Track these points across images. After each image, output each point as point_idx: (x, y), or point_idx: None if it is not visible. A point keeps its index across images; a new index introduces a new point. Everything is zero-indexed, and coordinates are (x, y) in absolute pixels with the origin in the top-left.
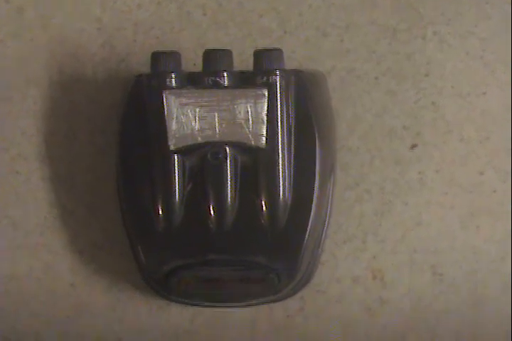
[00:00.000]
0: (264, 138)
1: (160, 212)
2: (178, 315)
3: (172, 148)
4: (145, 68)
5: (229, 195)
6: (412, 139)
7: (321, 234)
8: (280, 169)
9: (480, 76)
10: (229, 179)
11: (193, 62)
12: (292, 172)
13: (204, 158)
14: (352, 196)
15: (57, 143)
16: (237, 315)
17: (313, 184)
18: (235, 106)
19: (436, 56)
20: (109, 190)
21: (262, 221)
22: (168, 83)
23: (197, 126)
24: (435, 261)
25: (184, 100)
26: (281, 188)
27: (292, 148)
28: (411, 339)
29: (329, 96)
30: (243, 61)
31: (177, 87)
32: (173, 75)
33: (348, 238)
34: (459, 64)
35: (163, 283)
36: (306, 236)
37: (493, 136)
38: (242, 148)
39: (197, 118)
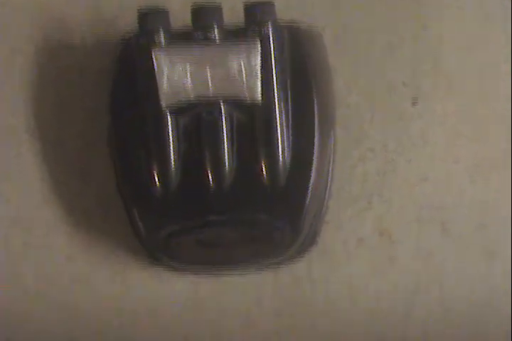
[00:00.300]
0: (259, 92)
1: (155, 175)
2: (180, 283)
3: (164, 106)
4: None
5: (226, 154)
6: (413, 94)
7: (324, 193)
8: (278, 125)
9: (479, 28)
10: (225, 136)
11: (182, 23)
12: (290, 128)
13: (198, 115)
14: (355, 155)
15: (45, 111)
16: (242, 281)
17: (313, 139)
18: (228, 61)
19: (433, 10)
20: (101, 156)
21: (262, 180)
22: (156, 41)
23: (189, 83)
24: (443, 217)
25: (174, 57)
26: (279, 145)
27: (289, 104)
28: (421, 299)
29: (325, 53)
30: (233, 17)
31: (166, 45)
32: (161, 33)
33: (353, 198)
34: (457, 17)
35: (163, 249)
36: (309, 192)
37: (494, 88)
38: (237, 103)
39: (188, 75)
